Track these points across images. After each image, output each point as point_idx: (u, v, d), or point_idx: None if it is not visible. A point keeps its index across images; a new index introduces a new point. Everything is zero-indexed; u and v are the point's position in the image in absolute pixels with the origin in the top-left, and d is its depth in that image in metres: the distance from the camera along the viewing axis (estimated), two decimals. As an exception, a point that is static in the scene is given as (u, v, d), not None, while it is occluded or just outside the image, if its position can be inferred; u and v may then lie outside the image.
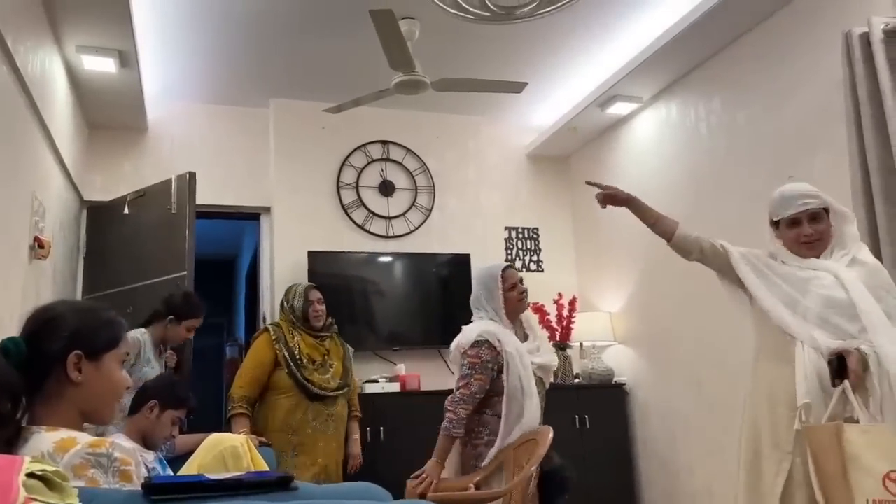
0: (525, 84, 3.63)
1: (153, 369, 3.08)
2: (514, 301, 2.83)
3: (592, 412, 4.36)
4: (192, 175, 4.03)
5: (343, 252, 4.60)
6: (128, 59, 3.63)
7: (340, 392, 3.33)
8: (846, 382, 1.91)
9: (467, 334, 2.78)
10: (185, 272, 3.82)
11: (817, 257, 2.17)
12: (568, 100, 4.70)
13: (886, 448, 1.81)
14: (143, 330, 3.10)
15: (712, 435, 3.75)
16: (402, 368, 4.38)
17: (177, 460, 2.69)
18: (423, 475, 2.65)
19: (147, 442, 2.51)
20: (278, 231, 4.60)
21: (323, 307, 3.49)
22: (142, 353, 3.05)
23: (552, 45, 4.06)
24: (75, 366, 1.30)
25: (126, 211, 4.22)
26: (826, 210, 2.18)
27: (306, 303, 3.44)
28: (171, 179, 4.08)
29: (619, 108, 4.50)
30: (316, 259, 4.47)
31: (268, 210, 4.73)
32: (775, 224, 2.27)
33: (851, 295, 2.02)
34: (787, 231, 2.21)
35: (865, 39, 2.69)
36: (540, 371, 2.79)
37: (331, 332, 3.52)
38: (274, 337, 3.32)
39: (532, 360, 2.76)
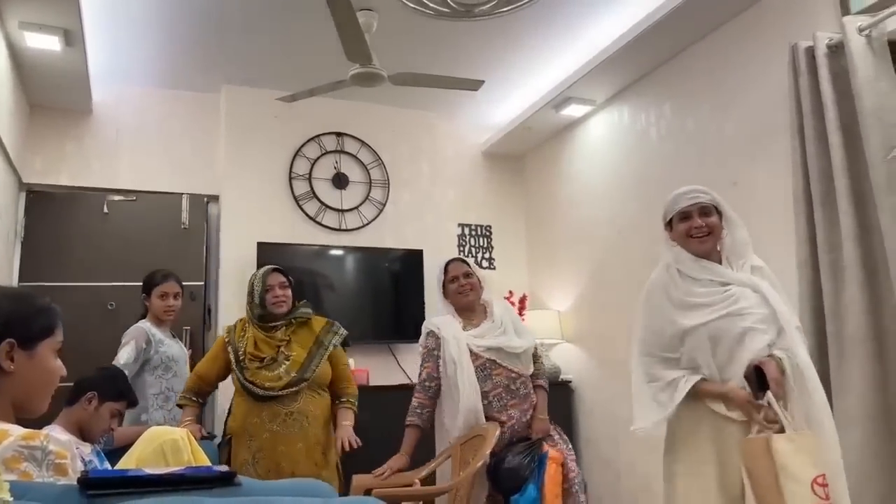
0: (482, 82, 3.64)
1: (171, 347, 3.30)
2: (452, 293, 2.96)
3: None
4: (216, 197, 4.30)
5: (294, 244, 4.54)
6: (73, 37, 3.50)
7: (295, 388, 2.85)
8: (769, 393, 1.93)
9: (424, 329, 2.98)
10: (202, 283, 4.41)
11: (707, 256, 2.18)
12: (524, 100, 4.73)
13: (812, 454, 1.87)
14: (142, 321, 3.28)
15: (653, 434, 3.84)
16: (350, 363, 4.33)
17: (115, 453, 2.62)
18: (384, 469, 2.70)
19: (84, 435, 2.44)
20: (226, 221, 4.50)
21: (286, 292, 3.03)
22: (150, 337, 3.20)
23: (510, 44, 4.08)
24: (7, 354, 1.25)
25: (105, 210, 4.31)
26: (716, 208, 2.21)
27: (264, 288, 3.02)
28: (182, 195, 4.45)
29: (574, 110, 4.55)
30: (265, 251, 4.40)
31: (216, 199, 4.63)
32: (668, 226, 2.28)
33: (773, 304, 2.06)
34: (679, 225, 2.22)
35: (811, 53, 2.79)
36: (492, 353, 2.81)
37: (293, 319, 3.03)
38: (226, 338, 3.04)
39: (479, 343, 2.82)
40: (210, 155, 4.64)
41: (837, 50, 2.71)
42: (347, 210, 4.78)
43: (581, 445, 4.52)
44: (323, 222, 4.70)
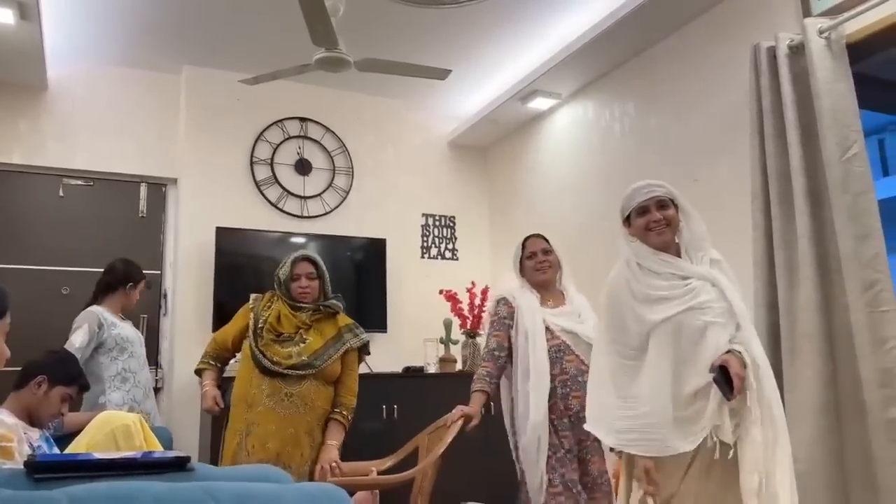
0: (449, 71, 3.62)
1: (123, 329, 3.29)
2: (529, 270, 2.84)
3: (497, 399, 4.42)
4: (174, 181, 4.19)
5: (254, 230, 4.47)
6: (29, 11, 3.38)
7: (302, 372, 2.75)
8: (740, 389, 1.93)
9: (492, 297, 2.91)
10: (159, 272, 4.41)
11: (666, 249, 2.18)
12: (490, 91, 4.74)
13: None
14: (93, 306, 3.25)
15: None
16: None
17: (65, 438, 2.56)
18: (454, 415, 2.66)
19: (33, 419, 2.38)
20: (185, 204, 4.41)
21: (313, 283, 2.92)
22: (102, 321, 3.18)
23: (478, 35, 4.07)
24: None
25: (61, 194, 4.25)
26: (673, 201, 2.21)
27: (291, 275, 2.92)
28: (140, 184, 4.42)
29: (539, 103, 4.57)
30: (224, 236, 4.33)
31: (174, 182, 4.54)
32: (626, 222, 2.27)
33: (729, 298, 2.07)
34: (637, 220, 2.22)
35: (772, 53, 2.84)
36: (568, 337, 2.69)
37: (322, 308, 2.93)
38: (251, 306, 2.98)
39: (556, 322, 2.70)
40: (169, 137, 4.54)
41: (798, 51, 2.76)
42: (310, 197, 4.73)
43: (539, 436, 4.56)
44: (285, 209, 4.64)
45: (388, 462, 2.93)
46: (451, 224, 5.25)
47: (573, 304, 2.80)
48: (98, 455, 1.32)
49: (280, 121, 4.72)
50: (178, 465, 1.30)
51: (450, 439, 2.64)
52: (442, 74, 3.60)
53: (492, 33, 4.06)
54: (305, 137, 4.79)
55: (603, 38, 3.72)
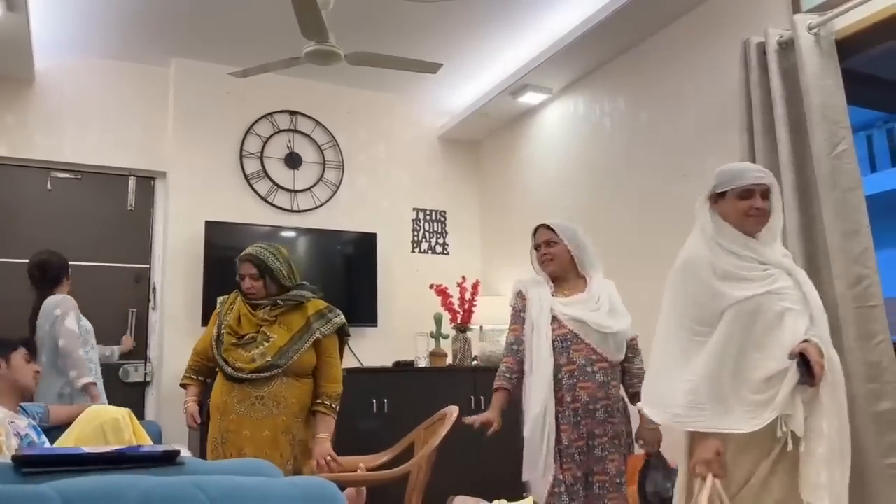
0: (440, 65, 3.61)
1: (85, 320, 3.38)
2: (537, 260, 2.79)
3: (488, 393, 4.41)
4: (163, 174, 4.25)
5: (244, 224, 4.45)
6: (16, 2, 3.34)
7: (267, 374, 2.66)
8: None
9: (513, 286, 2.83)
10: (147, 265, 4.42)
11: (754, 236, 2.10)
12: (481, 85, 4.73)
13: None
14: (62, 295, 3.37)
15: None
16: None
17: (52, 431, 2.56)
18: (473, 420, 2.57)
19: (24, 394, 2.43)
20: (174, 198, 4.39)
21: (257, 284, 2.78)
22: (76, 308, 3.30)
23: (469, 29, 4.06)
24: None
25: (49, 187, 4.23)
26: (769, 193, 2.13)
27: (238, 276, 2.85)
28: (129, 178, 4.40)
29: (530, 98, 4.57)
30: (214, 230, 4.31)
31: (163, 175, 4.51)
32: (716, 197, 2.13)
33: (805, 290, 2.02)
34: (737, 202, 2.09)
35: (762, 49, 2.85)
36: (576, 326, 2.57)
37: (282, 302, 2.79)
38: (218, 310, 2.91)
39: (565, 311, 2.59)
40: (158, 130, 4.51)
41: (788, 47, 2.77)
42: (300, 191, 4.71)
43: (529, 430, 4.57)
44: (275, 202, 4.63)
45: (384, 457, 2.93)
46: (442, 219, 5.24)
47: (591, 291, 2.67)
48: (86, 449, 1.31)
49: (270, 114, 4.70)
50: (168, 459, 1.30)
51: (444, 433, 2.63)
52: (433, 68, 3.59)
53: (483, 27, 4.05)
54: (295, 131, 4.77)
55: (594, 32, 3.72)
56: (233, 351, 2.71)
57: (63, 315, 3.21)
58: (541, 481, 2.46)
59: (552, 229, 2.76)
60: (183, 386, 2.92)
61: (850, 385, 2.42)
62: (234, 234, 4.37)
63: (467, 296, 4.72)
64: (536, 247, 2.77)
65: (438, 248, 5.19)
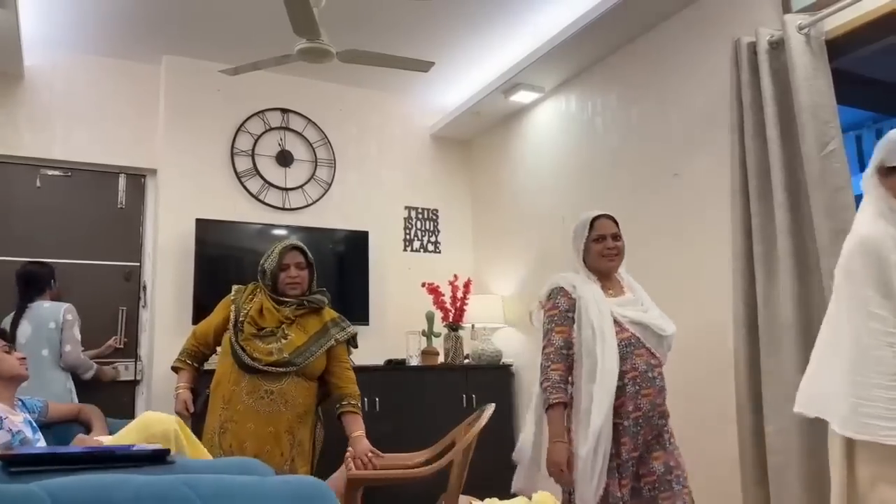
0: (432, 63, 3.61)
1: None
2: (595, 255, 2.47)
3: (479, 392, 4.45)
4: (153, 171, 4.43)
5: (235, 222, 4.43)
6: (3, -3, 3.33)
7: (282, 369, 2.66)
8: None
9: (544, 288, 2.53)
10: (138, 264, 4.43)
11: None
12: (473, 84, 4.73)
13: None
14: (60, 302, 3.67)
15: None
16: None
17: (50, 427, 2.57)
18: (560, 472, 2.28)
19: (16, 382, 2.41)
20: (164, 196, 4.37)
21: (302, 273, 2.82)
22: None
23: (461, 27, 4.06)
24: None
25: (38, 185, 4.22)
26: None
27: (279, 266, 2.80)
28: (119, 175, 4.40)
29: (522, 97, 4.57)
30: (204, 227, 4.29)
31: (154, 173, 4.49)
32: (885, 171, 1.89)
33: None
34: None
35: (752, 49, 2.86)
36: (638, 329, 2.38)
37: (307, 304, 2.83)
38: (233, 297, 2.86)
39: (623, 313, 2.39)
40: (148, 127, 4.48)
41: (778, 47, 2.78)
42: (292, 189, 4.70)
43: (520, 426, 4.57)
44: (266, 200, 4.61)
45: (425, 455, 2.90)
46: (434, 217, 5.24)
47: (635, 293, 2.51)
48: (74, 448, 1.30)
49: (261, 112, 4.68)
50: (158, 458, 1.29)
51: (481, 425, 2.62)
52: (425, 67, 3.59)
53: (475, 26, 4.05)
54: (287, 129, 4.76)
55: (586, 32, 3.72)
56: (251, 341, 2.68)
57: (73, 322, 3.58)
58: (591, 499, 2.23)
59: (616, 222, 2.52)
60: (175, 370, 2.85)
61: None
62: (224, 232, 4.36)
63: (459, 294, 4.73)
64: (599, 238, 2.47)
65: (430, 247, 5.18)
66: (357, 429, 2.73)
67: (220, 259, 4.33)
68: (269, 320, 2.74)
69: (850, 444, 1.78)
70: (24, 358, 2.53)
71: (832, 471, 1.86)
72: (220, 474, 1.26)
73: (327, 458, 2.87)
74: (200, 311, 4.19)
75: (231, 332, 2.73)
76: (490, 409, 2.80)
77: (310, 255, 2.87)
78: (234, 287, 2.94)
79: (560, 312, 2.42)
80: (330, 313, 2.90)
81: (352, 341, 2.93)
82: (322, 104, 4.86)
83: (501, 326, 4.80)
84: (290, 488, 1.28)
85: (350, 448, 2.70)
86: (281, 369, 2.65)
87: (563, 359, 2.37)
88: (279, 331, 2.73)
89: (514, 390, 4.66)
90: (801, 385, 1.97)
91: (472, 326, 4.78)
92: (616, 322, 2.36)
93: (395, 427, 3.84)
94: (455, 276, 4.79)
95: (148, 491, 1.13)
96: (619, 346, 2.34)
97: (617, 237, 2.49)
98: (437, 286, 4.65)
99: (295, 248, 2.84)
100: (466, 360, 4.69)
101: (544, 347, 2.41)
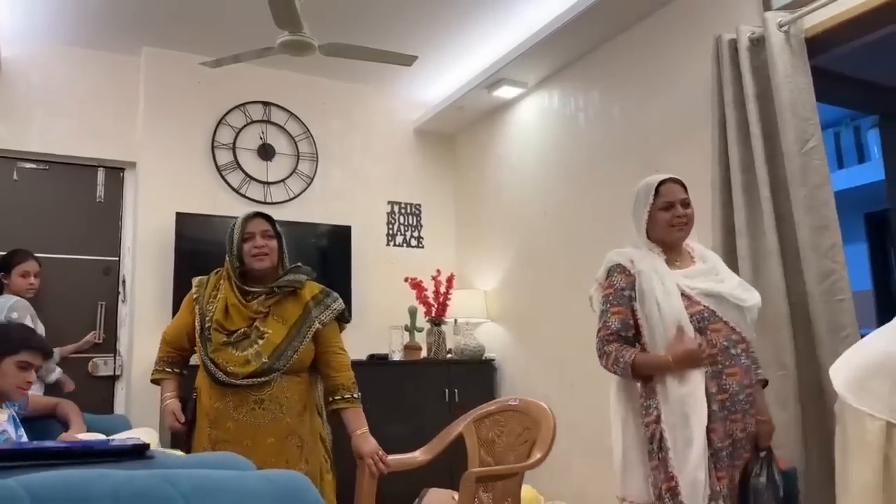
0: (415, 57, 3.60)
1: (38, 327, 3.38)
2: (662, 223, 2.19)
3: (461, 386, 4.46)
4: (133, 165, 4.20)
5: (216, 216, 4.38)
6: (-22, -15, 3.27)
7: (264, 378, 2.31)
8: None
9: (602, 266, 2.26)
10: (117, 258, 4.36)
11: None
12: (457, 78, 4.72)
13: None
14: (12, 296, 3.40)
15: (572, 412, 3.94)
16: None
17: (30, 420, 2.54)
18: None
19: (1, 395, 2.33)
20: (144, 189, 4.32)
21: (269, 243, 2.44)
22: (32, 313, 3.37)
23: (445, 22, 4.05)
24: None
25: (15, 178, 4.16)
26: None
27: (241, 236, 2.43)
28: (98, 169, 4.34)
29: (505, 92, 4.57)
30: (185, 221, 4.25)
31: (133, 166, 4.44)
32: None
33: None
34: None
35: (734, 45, 2.88)
36: (711, 301, 2.10)
37: (277, 288, 2.43)
38: (195, 295, 2.48)
39: (692, 285, 2.11)
40: (128, 120, 4.43)
41: (759, 44, 2.81)
42: (273, 182, 4.67)
43: (502, 423, 4.60)
44: (247, 194, 4.58)
45: (430, 454, 2.76)
46: (417, 212, 5.23)
47: (707, 262, 2.23)
48: (52, 443, 1.28)
49: (242, 105, 4.64)
50: (137, 453, 1.28)
51: (547, 437, 2.48)
52: (408, 60, 3.58)
53: (458, 21, 4.04)
54: (269, 122, 4.72)
55: (569, 27, 3.73)
56: (223, 352, 2.32)
57: (14, 316, 3.23)
58: (699, 497, 1.96)
59: (685, 187, 2.25)
60: (155, 382, 2.53)
61: (822, 375, 2.47)
62: (205, 226, 4.31)
63: (442, 289, 4.73)
64: (668, 205, 2.19)
65: (413, 242, 5.18)
66: (359, 425, 2.41)
67: (201, 253, 4.28)
68: (238, 320, 2.37)
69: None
70: (30, 382, 2.39)
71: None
72: (200, 469, 1.25)
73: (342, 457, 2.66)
74: (180, 306, 4.15)
75: (199, 343, 2.38)
76: (546, 413, 2.63)
77: (277, 225, 2.52)
78: (195, 280, 2.56)
79: (616, 291, 2.15)
80: (311, 289, 2.52)
81: (342, 316, 2.55)
82: (304, 98, 4.82)
83: (484, 321, 4.81)
84: (272, 483, 1.27)
85: (355, 449, 2.41)
86: (263, 378, 2.31)
87: (620, 341, 2.13)
88: (252, 330, 2.35)
89: (496, 385, 4.67)
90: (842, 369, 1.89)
91: (455, 321, 4.78)
92: (685, 295, 2.09)
93: (377, 422, 3.82)
94: (438, 270, 4.79)
95: (128, 487, 1.12)
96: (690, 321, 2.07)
97: (687, 203, 2.21)
98: (420, 281, 4.65)
99: (259, 214, 2.49)
100: (449, 355, 4.70)
101: (599, 331, 2.17)
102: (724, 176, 2.86)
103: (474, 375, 4.60)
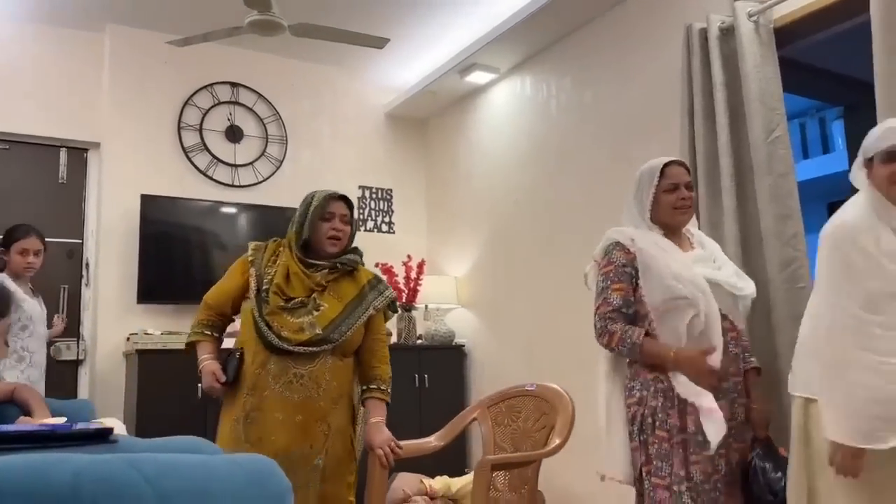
0: (387, 40, 3.56)
1: (31, 306, 3.23)
2: (667, 206, 2.15)
3: (432, 372, 4.47)
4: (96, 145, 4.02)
5: (182, 198, 4.32)
6: (-68, -44, 3.15)
7: (316, 348, 2.25)
8: None
9: (600, 244, 2.24)
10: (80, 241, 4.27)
11: None
12: (429, 63, 4.69)
13: None
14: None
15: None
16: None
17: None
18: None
19: None
20: (108, 170, 4.23)
21: (346, 229, 2.39)
22: (14, 298, 3.09)
23: (418, 4, 4.01)
24: None
25: None
26: None
27: (322, 214, 2.37)
28: (60, 149, 4.23)
29: (478, 77, 4.56)
30: (150, 204, 4.17)
31: (97, 146, 4.34)
32: (869, 163, 1.86)
33: None
34: (881, 168, 1.81)
35: (704, 34, 2.91)
36: (715, 289, 2.08)
37: (340, 266, 2.38)
38: (251, 258, 2.41)
39: (697, 269, 2.08)
40: (91, 99, 4.32)
41: (728, 33, 2.83)
42: (241, 165, 4.60)
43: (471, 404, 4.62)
44: (214, 177, 4.51)
45: (444, 440, 2.76)
46: (388, 197, 5.21)
47: (705, 248, 2.24)
48: (12, 427, 1.26)
49: (210, 85, 4.56)
50: (100, 437, 1.26)
51: (565, 425, 2.48)
52: (379, 43, 3.54)
53: (431, 4, 4.01)
54: (236, 103, 4.65)
55: (541, 13, 3.72)
56: (278, 315, 2.25)
57: None
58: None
59: (688, 168, 2.23)
60: (190, 345, 2.41)
61: (780, 362, 2.52)
62: (171, 209, 4.25)
63: (413, 275, 4.73)
64: (671, 188, 2.16)
65: (384, 227, 5.15)
66: (378, 414, 2.35)
67: (166, 236, 4.22)
68: (299, 289, 2.31)
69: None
70: None
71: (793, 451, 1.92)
72: (165, 453, 1.24)
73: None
74: (145, 289, 4.10)
75: (253, 303, 2.29)
76: (566, 398, 2.61)
77: (355, 211, 2.50)
78: (252, 245, 2.48)
79: (616, 268, 2.12)
80: (366, 273, 2.47)
81: (392, 306, 2.50)
82: (273, 79, 4.75)
83: (455, 307, 4.82)
84: (240, 467, 1.26)
85: (367, 438, 2.35)
86: (314, 348, 2.24)
87: (622, 318, 2.09)
88: (310, 301, 2.29)
89: (466, 370, 4.69)
90: (796, 367, 1.97)
91: (426, 307, 4.79)
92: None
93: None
94: (409, 256, 4.78)
95: (90, 471, 1.10)
96: None
97: (690, 187, 2.18)
98: (391, 267, 4.64)
99: (342, 197, 2.42)
100: (419, 341, 4.70)
101: (598, 308, 2.12)
102: (692, 163, 2.89)
103: (444, 361, 4.62)
